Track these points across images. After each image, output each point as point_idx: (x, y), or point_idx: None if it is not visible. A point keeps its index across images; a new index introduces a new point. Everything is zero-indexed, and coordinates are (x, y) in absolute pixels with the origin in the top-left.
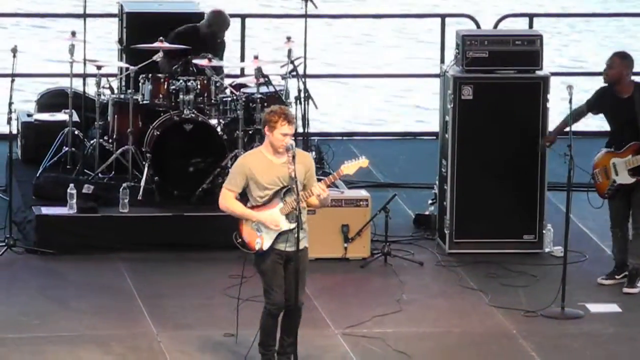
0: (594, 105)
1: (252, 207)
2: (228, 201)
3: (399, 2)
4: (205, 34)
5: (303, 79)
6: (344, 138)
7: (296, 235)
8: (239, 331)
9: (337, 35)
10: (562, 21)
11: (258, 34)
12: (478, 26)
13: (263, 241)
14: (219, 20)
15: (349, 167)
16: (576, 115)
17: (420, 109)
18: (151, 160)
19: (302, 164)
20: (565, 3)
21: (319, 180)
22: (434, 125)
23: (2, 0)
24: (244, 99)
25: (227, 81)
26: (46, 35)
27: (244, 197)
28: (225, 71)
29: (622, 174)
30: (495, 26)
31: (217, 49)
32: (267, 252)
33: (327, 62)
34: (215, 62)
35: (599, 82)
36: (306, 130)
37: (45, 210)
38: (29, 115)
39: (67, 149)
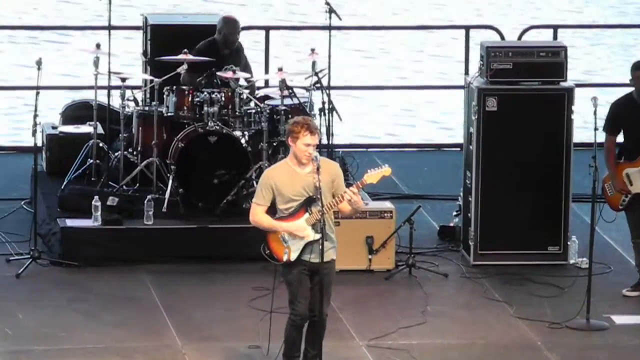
0: (614, 126)
1: (279, 219)
2: (257, 215)
3: (414, 15)
4: (221, 43)
5: (327, 91)
6: (368, 150)
7: (321, 244)
8: (264, 343)
9: (350, 48)
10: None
11: (282, 46)
12: (502, 38)
13: (290, 252)
14: (227, 24)
15: (372, 176)
16: (611, 147)
17: (442, 121)
18: (175, 172)
19: (328, 173)
20: (576, 16)
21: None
22: (458, 137)
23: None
24: (268, 111)
25: None
26: (61, 49)
27: (273, 208)
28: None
29: (637, 182)
30: (520, 37)
31: (236, 56)
32: (293, 263)
33: (343, 75)
34: (240, 74)
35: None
36: (330, 142)
37: (70, 223)
38: (54, 128)
39: (91, 161)
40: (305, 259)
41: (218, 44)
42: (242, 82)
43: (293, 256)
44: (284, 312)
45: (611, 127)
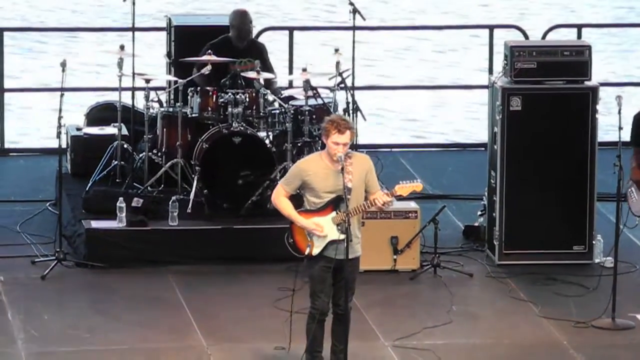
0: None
1: (306, 212)
2: (279, 198)
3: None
4: (235, 36)
5: (351, 91)
6: (392, 150)
7: (346, 245)
8: (289, 343)
9: (375, 48)
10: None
11: (306, 46)
12: (526, 37)
13: (313, 247)
14: (238, 16)
15: (404, 188)
16: (637, 158)
17: (467, 120)
18: (200, 173)
19: (361, 167)
20: (589, 15)
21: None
22: (483, 136)
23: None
24: (292, 112)
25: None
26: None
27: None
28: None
29: None
30: (544, 37)
31: (254, 52)
32: (317, 258)
33: (373, 74)
34: (266, 75)
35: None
36: (355, 142)
37: (95, 224)
38: (78, 129)
39: (116, 162)
40: (330, 255)
41: (232, 39)
42: (262, 81)
43: (315, 251)
44: (307, 313)
45: (635, 139)
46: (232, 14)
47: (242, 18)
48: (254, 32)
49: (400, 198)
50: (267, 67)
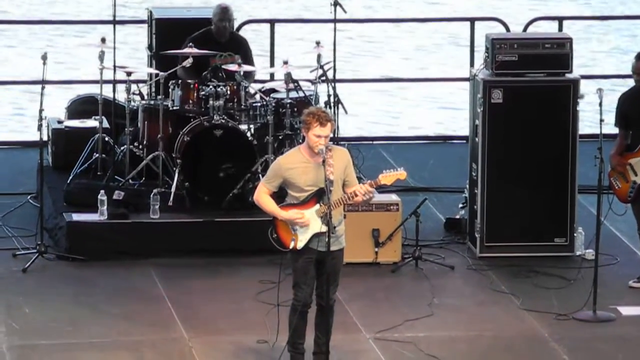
0: (622, 119)
1: (289, 206)
2: (261, 196)
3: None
4: (215, 31)
5: (332, 84)
6: (374, 142)
7: (330, 237)
8: (271, 337)
9: (356, 39)
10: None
11: (287, 39)
12: (507, 29)
13: (297, 241)
14: (217, 12)
15: (387, 177)
16: (620, 141)
17: (448, 113)
18: (181, 166)
19: (340, 160)
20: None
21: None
22: (464, 129)
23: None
24: (273, 104)
25: (256, 86)
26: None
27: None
28: (255, 76)
29: None
30: (525, 29)
31: (234, 46)
32: (301, 250)
33: (351, 68)
34: (247, 67)
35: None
36: (336, 135)
37: (76, 217)
38: (60, 122)
39: (97, 155)
40: (314, 247)
41: (213, 33)
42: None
43: (300, 245)
44: (290, 305)
45: (620, 120)
46: (214, 9)
47: (219, 14)
48: (235, 24)
49: (383, 189)
50: (248, 61)
